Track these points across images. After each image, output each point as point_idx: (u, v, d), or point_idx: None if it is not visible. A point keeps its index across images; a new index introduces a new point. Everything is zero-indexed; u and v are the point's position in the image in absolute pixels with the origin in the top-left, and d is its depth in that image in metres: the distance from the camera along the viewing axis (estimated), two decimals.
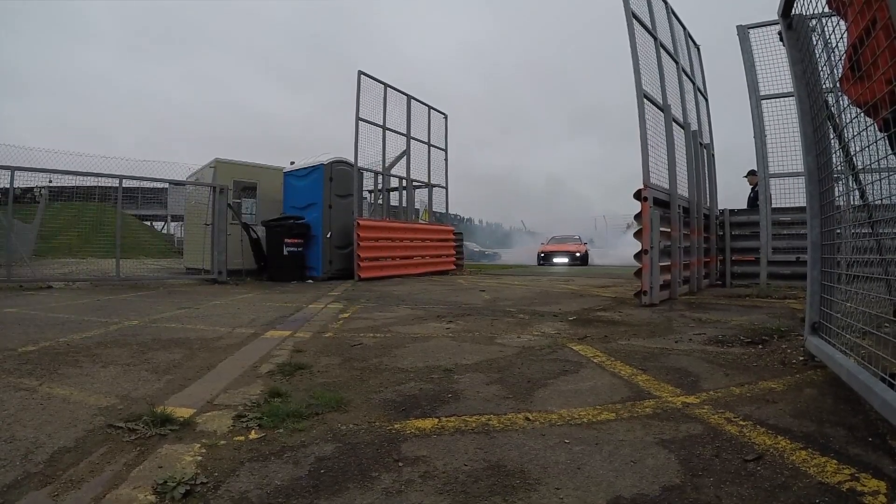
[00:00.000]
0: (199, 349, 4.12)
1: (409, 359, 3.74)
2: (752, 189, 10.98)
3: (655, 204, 6.88)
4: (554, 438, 2.17)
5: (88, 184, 12.28)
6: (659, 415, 2.46)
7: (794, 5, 3.36)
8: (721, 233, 9.97)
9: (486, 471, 1.89)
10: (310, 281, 11.81)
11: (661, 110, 7.63)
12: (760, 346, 4.05)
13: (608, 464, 1.92)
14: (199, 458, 2.04)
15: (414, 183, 14.55)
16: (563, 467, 1.91)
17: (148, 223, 28.98)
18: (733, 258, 9.92)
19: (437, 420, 2.45)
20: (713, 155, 10.50)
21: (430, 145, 15.24)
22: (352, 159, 12.19)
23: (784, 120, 8.89)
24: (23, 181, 10.47)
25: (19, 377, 3.22)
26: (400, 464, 1.97)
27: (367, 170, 12.68)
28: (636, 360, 3.62)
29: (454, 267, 16.04)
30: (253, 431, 2.32)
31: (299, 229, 11.96)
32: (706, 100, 10.70)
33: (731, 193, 11.52)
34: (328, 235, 12.19)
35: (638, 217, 6.84)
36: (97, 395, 2.86)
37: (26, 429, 2.32)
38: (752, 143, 9.16)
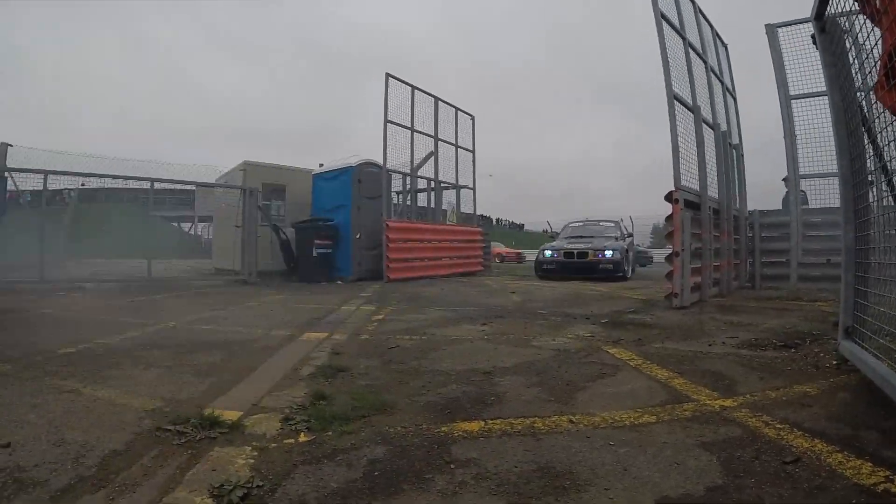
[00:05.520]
0: (238, 351, 4.21)
1: (448, 361, 3.81)
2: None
3: (686, 206, 6.89)
4: (599, 440, 2.23)
5: (118, 186, 12.55)
6: (698, 418, 2.52)
7: (828, 9, 3.37)
8: (750, 234, 9.91)
9: (536, 472, 1.96)
10: (339, 282, 11.94)
11: (691, 111, 7.62)
12: (793, 350, 4.08)
13: (653, 465, 1.99)
14: (252, 461, 2.07)
15: (442, 184, 14.64)
16: (609, 468, 1.97)
17: (175, 224, 29.39)
18: (762, 260, 9.87)
19: (482, 423, 2.49)
20: (742, 155, 10.43)
21: (457, 146, 15.33)
22: (380, 161, 12.33)
23: (815, 119, 8.80)
24: (55, 183, 10.74)
25: (62, 379, 3.26)
26: (452, 466, 2.02)
27: (395, 171, 12.80)
28: (671, 363, 3.67)
29: (482, 268, 16.11)
30: (302, 434, 2.35)
31: (329, 231, 12.12)
32: (734, 99, 10.62)
33: (759, 193, 11.41)
34: (357, 237, 12.33)
35: (669, 219, 6.86)
36: (142, 398, 2.90)
37: (74, 432, 2.35)
38: (779, 141, 9.11)
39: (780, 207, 11.06)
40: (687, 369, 3.49)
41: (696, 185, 7.44)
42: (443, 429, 2.43)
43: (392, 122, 12.30)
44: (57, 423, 2.46)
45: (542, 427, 2.43)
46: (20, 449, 2.16)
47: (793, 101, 9.02)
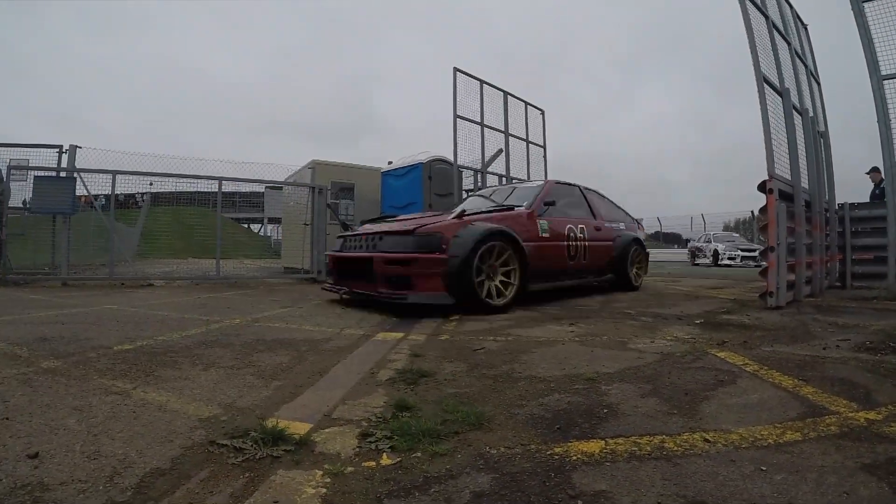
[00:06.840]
0: (308, 351, 3.98)
1: (543, 366, 3.52)
2: (876, 186, 10.34)
3: (779, 196, 6.50)
4: (747, 465, 1.92)
5: (189, 189, 12.87)
6: (847, 434, 2.23)
7: None
8: (840, 229, 9.34)
9: None
10: None
11: (780, 95, 7.25)
12: None
13: (820, 496, 1.70)
14: (324, 490, 1.74)
15: (513, 181, 14.30)
16: (772, 501, 1.67)
17: (245, 226, 30.35)
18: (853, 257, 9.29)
19: (602, 442, 2.14)
20: (829, 144, 9.92)
21: (528, 142, 15.02)
22: (449, 157, 12.20)
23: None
24: (126, 187, 11.13)
25: (112, 379, 3.07)
26: (579, 502, 1.67)
27: (466, 167, 12.65)
28: (791, 369, 3.36)
29: None
30: (384, 455, 2.02)
31: None
32: (818, 84, 10.11)
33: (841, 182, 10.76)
34: None
35: (763, 211, 6.49)
36: (197, 403, 2.66)
37: (114, 442, 2.11)
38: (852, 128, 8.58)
39: (868, 200, 10.51)
40: (812, 376, 3.18)
41: (787, 175, 7.06)
42: (556, 450, 2.07)
43: (462, 118, 12.17)
44: (97, 430, 2.23)
45: (674, 448, 2.09)
46: (49, 461, 1.93)
47: (885, 83, 8.48)
